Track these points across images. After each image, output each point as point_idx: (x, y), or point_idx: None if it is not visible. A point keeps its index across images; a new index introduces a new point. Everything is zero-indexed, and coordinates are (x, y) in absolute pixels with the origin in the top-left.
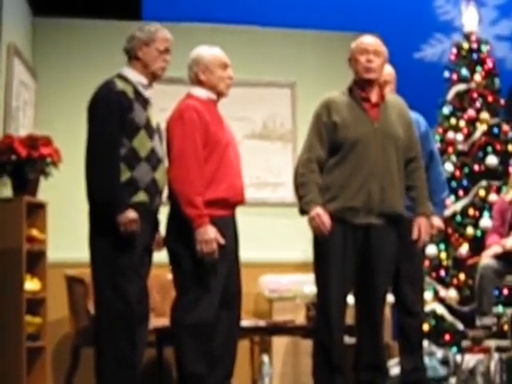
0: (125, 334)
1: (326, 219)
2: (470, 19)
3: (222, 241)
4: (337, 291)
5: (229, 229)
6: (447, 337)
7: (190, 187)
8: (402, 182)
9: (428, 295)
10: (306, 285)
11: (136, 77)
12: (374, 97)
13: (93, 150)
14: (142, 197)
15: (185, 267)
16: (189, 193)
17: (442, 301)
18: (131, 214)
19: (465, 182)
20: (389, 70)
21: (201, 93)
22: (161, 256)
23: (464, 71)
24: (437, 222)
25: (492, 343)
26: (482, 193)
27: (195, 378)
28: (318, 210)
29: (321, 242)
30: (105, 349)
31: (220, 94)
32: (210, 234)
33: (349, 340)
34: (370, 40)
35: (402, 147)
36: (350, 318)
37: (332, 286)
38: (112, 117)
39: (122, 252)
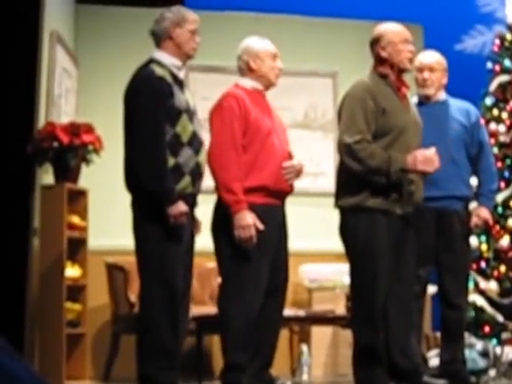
0: (168, 322)
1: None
2: None
3: (260, 226)
4: (384, 286)
5: (272, 217)
6: (487, 329)
7: (228, 173)
8: None
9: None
10: (346, 275)
11: (169, 60)
12: (403, 87)
13: (140, 138)
14: (186, 182)
15: (226, 255)
16: (226, 179)
17: (482, 292)
18: (182, 207)
19: (506, 174)
20: (437, 58)
21: (246, 83)
22: (200, 244)
23: (507, 62)
24: (484, 213)
25: None
26: None
27: (234, 368)
28: (413, 153)
29: (367, 235)
30: (147, 337)
31: (269, 84)
32: (247, 219)
33: None
34: (406, 29)
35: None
36: None
37: (380, 282)
38: (156, 104)
39: (170, 242)
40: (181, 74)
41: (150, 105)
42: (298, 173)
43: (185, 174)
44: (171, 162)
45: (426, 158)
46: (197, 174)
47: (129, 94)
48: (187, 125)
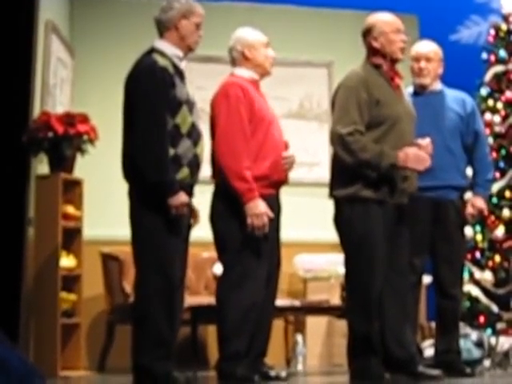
0: (164, 312)
1: (422, 151)
2: (508, 1)
3: (271, 214)
4: (380, 276)
5: (271, 207)
6: (482, 319)
7: (239, 161)
8: None
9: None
10: (341, 265)
11: (172, 50)
12: (396, 77)
13: (142, 128)
14: (185, 173)
15: (232, 245)
16: (238, 167)
17: (477, 283)
18: (183, 198)
19: (501, 164)
20: (433, 48)
21: (243, 73)
22: (196, 234)
23: (502, 52)
24: (479, 202)
25: None
26: None
27: (231, 357)
28: (405, 150)
29: (362, 226)
30: (143, 327)
31: (265, 72)
32: (260, 207)
33: None
34: (398, 19)
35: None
36: None
37: (377, 271)
38: (159, 94)
39: (168, 232)
40: (182, 65)
41: (153, 95)
42: (293, 163)
43: (183, 165)
44: (170, 152)
45: (418, 156)
46: (195, 166)
47: (131, 82)
48: (187, 116)
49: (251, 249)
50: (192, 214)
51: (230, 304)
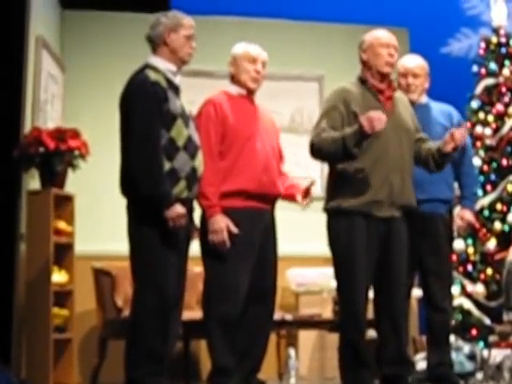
0: (158, 327)
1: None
2: (498, 13)
3: (234, 230)
4: (363, 287)
5: (254, 221)
6: (474, 332)
7: (204, 179)
8: (412, 174)
9: (455, 290)
10: (333, 278)
11: (165, 65)
12: (387, 89)
13: (135, 142)
14: (182, 186)
15: (206, 260)
16: (202, 184)
17: (469, 296)
18: (180, 209)
19: (493, 177)
20: (420, 63)
21: (231, 88)
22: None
23: (492, 65)
24: (468, 215)
25: None
26: (510, 188)
27: (221, 371)
28: (359, 119)
29: (345, 238)
30: (136, 341)
31: (245, 87)
32: (219, 223)
33: (370, 334)
34: (389, 35)
35: (412, 139)
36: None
37: (358, 283)
38: (151, 108)
39: (165, 247)
40: (176, 80)
41: (145, 109)
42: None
43: (181, 178)
44: (167, 166)
45: (374, 117)
46: (193, 179)
47: (123, 99)
48: (182, 129)
49: (226, 263)
50: (191, 229)
51: (212, 318)
